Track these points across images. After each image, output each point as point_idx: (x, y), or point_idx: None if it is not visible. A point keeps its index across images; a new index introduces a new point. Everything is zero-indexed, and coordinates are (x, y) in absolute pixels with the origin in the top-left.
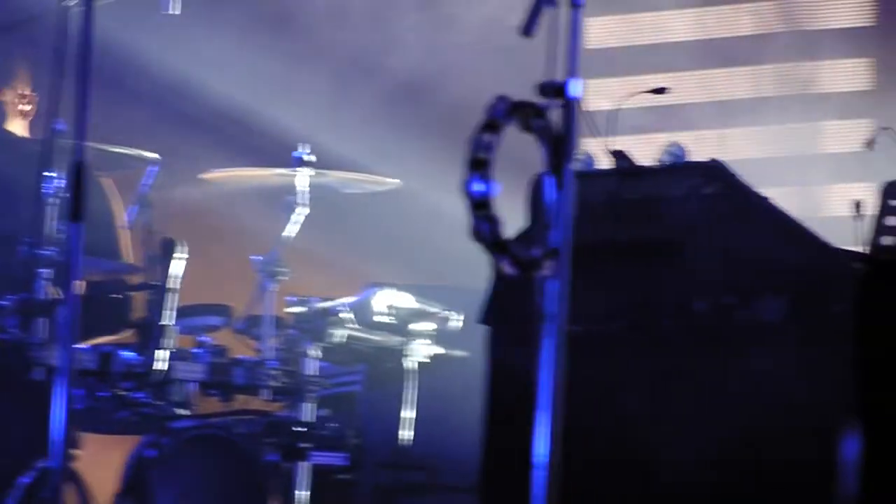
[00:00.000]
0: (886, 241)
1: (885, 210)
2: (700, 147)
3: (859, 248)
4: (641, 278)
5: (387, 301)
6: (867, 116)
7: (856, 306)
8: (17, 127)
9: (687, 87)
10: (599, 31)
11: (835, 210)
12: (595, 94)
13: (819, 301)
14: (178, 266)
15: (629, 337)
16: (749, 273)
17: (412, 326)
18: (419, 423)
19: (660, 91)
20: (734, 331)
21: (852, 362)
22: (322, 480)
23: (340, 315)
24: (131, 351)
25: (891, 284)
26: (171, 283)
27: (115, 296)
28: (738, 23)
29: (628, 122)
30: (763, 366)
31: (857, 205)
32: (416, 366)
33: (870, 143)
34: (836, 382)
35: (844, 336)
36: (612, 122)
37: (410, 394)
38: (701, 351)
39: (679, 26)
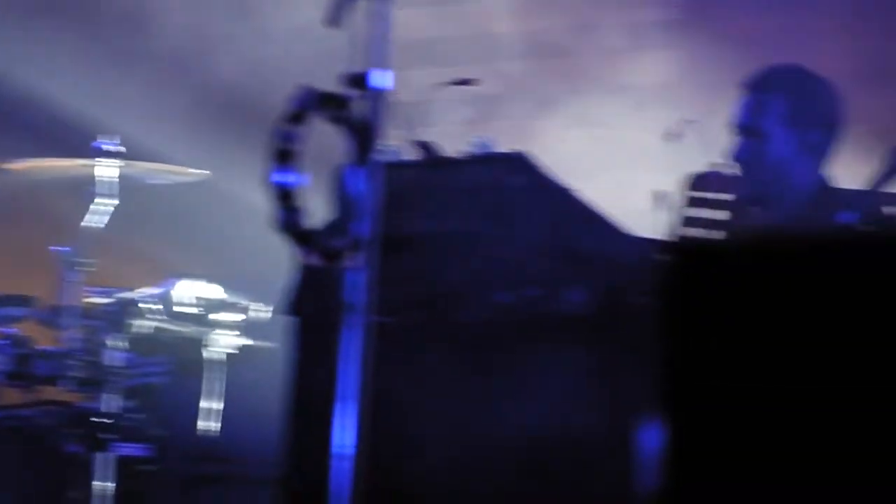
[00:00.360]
0: (691, 231)
1: (690, 201)
2: (512, 139)
3: (663, 240)
4: (446, 269)
5: (192, 292)
6: (672, 108)
7: (658, 298)
8: None
9: (502, 78)
10: (416, 22)
11: (639, 202)
12: (407, 86)
13: (622, 292)
14: None
15: (433, 328)
16: (553, 264)
17: (217, 317)
18: (224, 415)
19: (466, 82)
20: (537, 322)
21: (654, 354)
22: (126, 471)
23: (145, 306)
24: None
25: (693, 276)
26: None
27: None
28: (555, 14)
29: (440, 114)
30: (566, 357)
31: (662, 196)
32: (221, 357)
33: (675, 136)
34: (638, 373)
35: (647, 327)
36: (421, 114)
37: (215, 385)
38: (504, 342)
39: (497, 17)
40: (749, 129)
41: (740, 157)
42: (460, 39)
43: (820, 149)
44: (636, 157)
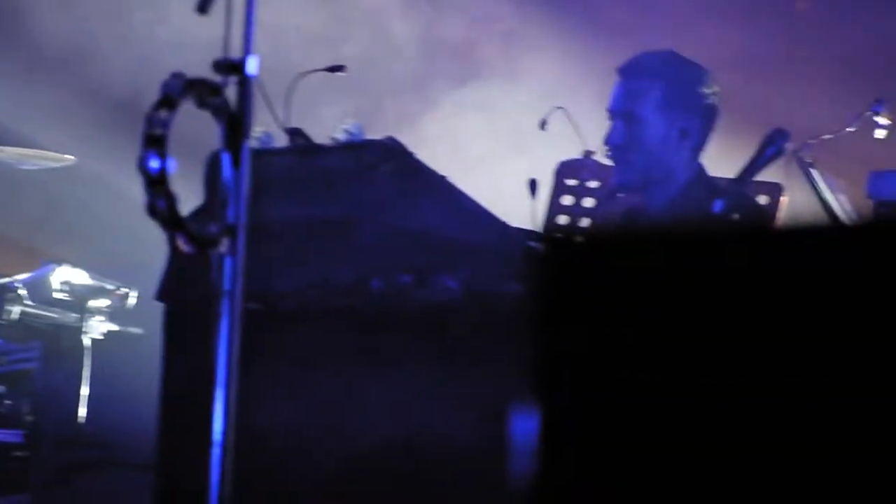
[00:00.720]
0: (561, 219)
1: (560, 189)
2: (393, 128)
3: (534, 227)
4: (319, 256)
5: (63, 278)
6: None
7: (531, 286)
8: None
9: (382, 65)
10: (288, 7)
11: (510, 189)
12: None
13: (494, 280)
14: None
15: (307, 314)
16: (425, 252)
17: (89, 303)
18: (95, 401)
19: (337, 69)
20: (411, 310)
21: (527, 341)
22: None
23: (16, 292)
24: None
25: (565, 264)
26: None
27: None
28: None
29: (311, 100)
30: (440, 345)
31: (532, 184)
32: (91, 343)
33: (543, 123)
34: (512, 361)
35: (519, 315)
36: (290, 100)
37: (87, 371)
38: (379, 330)
39: (387, 7)
40: (624, 114)
41: (615, 142)
42: (347, 27)
43: (694, 135)
44: (514, 146)
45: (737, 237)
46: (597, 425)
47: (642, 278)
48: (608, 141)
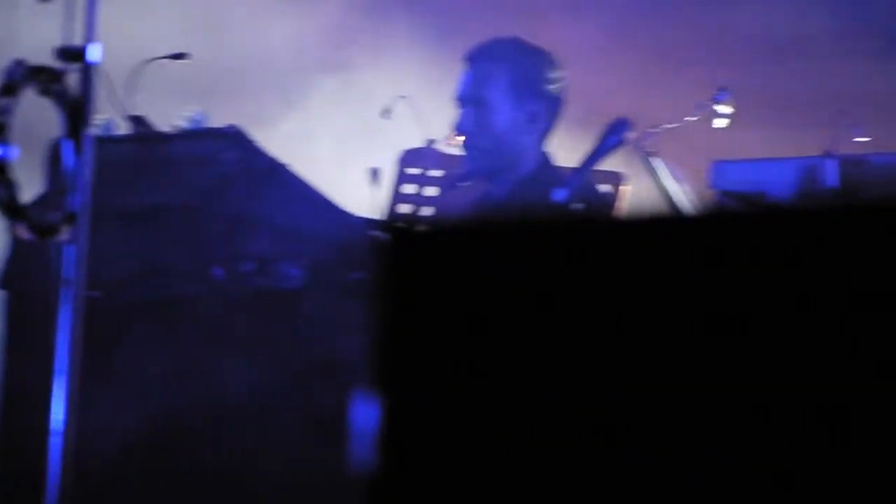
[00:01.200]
0: (403, 208)
1: (402, 178)
2: (236, 117)
3: (377, 216)
4: (162, 244)
5: None
6: (395, 85)
7: (373, 275)
8: None
9: (233, 55)
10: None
11: (353, 179)
12: (123, 61)
13: (336, 269)
14: None
15: (150, 303)
16: (267, 240)
17: None
18: None
19: (179, 57)
20: (253, 298)
21: (368, 329)
22: None
23: None
24: None
25: (406, 252)
26: None
27: None
28: None
29: (157, 88)
30: (283, 330)
31: (374, 173)
32: None
33: (386, 112)
34: (353, 349)
35: (361, 304)
36: (133, 87)
37: None
38: (221, 318)
39: None
40: (472, 99)
41: (464, 128)
42: (189, 16)
43: (542, 120)
44: (356, 135)
45: (580, 228)
46: (438, 417)
47: (485, 269)
48: (458, 128)
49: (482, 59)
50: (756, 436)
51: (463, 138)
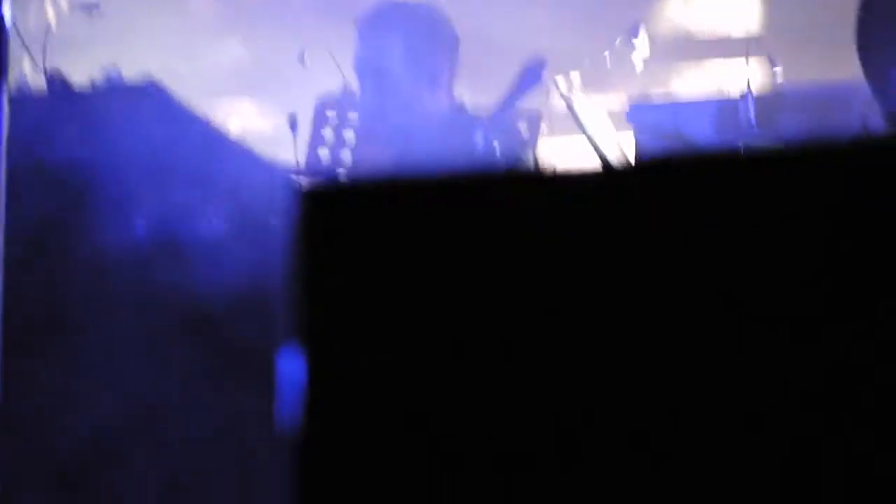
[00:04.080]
0: (322, 153)
1: (320, 122)
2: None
3: (297, 162)
4: (80, 199)
5: None
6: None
7: (296, 219)
8: None
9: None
10: None
11: (272, 125)
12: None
13: (260, 216)
14: None
15: (70, 253)
16: (188, 190)
17: None
18: None
19: (90, 7)
20: (176, 249)
21: (291, 278)
22: None
23: None
24: None
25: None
26: None
27: None
28: None
29: (70, 42)
30: (205, 282)
31: (292, 119)
32: None
33: (302, 57)
34: (275, 298)
35: (284, 251)
36: (49, 42)
37: None
38: (143, 273)
39: None
40: (370, 71)
41: (367, 100)
42: None
43: (444, 75)
44: (276, 82)
45: (506, 184)
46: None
47: (409, 228)
48: (361, 100)
49: (375, 28)
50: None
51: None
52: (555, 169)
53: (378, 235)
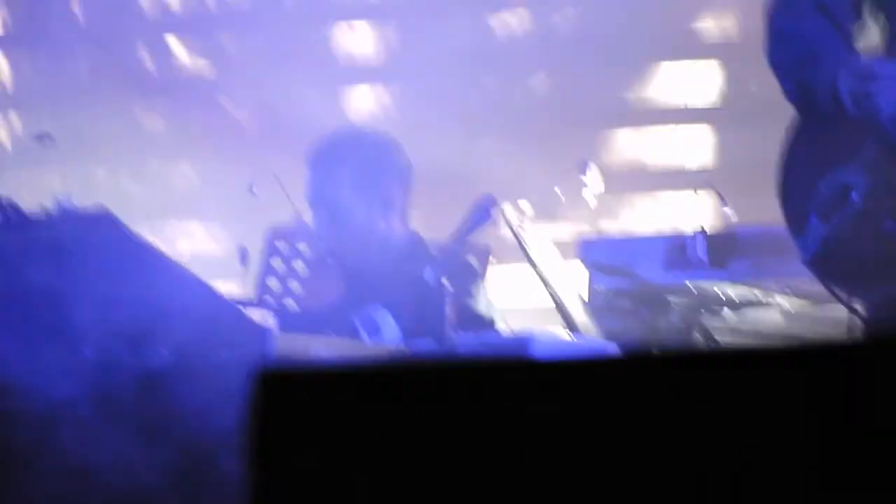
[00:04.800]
0: (273, 283)
1: (271, 252)
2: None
3: (246, 294)
4: (28, 329)
5: None
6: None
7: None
8: None
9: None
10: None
11: (222, 249)
12: None
13: (206, 347)
14: None
15: None
16: (136, 321)
17: None
18: None
19: (43, 138)
20: (124, 378)
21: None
22: None
23: None
24: None
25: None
26: None
27: None
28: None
29: (23, 169)
30: (155, 412)
31: (242, 252)
32: None
33: (251, 189)
34: (224, 430)
35: (230, 383)
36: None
37: None
38: (92, 402)
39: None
40: (321, 201)
41: (321, 230)
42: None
43: (396, 200)
44: (226, 207)
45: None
46: None
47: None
48: (314, 232)
49: (327, 158)
50: None
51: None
52: (517, 359)
53: (332, 421)
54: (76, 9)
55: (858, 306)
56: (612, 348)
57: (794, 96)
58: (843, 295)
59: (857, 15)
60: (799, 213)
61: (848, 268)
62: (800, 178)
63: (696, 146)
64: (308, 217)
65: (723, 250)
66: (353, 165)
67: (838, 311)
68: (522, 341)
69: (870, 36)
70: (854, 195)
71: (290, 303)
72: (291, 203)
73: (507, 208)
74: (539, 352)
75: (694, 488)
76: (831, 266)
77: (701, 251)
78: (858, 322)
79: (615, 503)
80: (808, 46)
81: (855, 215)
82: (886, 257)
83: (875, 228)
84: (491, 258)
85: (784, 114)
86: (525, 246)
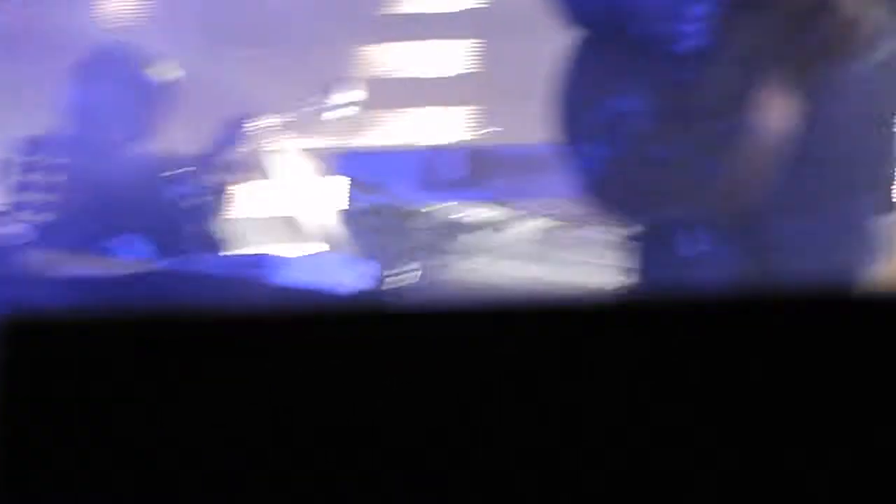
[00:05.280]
0: (25, 195)
1: (25, 164)
2: None
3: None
4: None
5: None
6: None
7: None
8: None
9: None
10: None
11: None
12: None
13: None
14: None
15: None
16: None
17: None
18: None
19: None
20: None
21: None
22: None
23: None
24: None
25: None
26: None
27: None
28: None
29: None
30: None
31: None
32: None
33: None
34: None
35: None
36: None
37: None
38: None
39: None
40: (77, 115)
41: (74, 144)
42: None
43: (148, 119)
44: None
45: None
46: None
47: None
48: (69, 146)
49: (82, 74)
50: None
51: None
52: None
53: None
54: None
55: (624, 231)
56: (367, 265)
57: (578, 16)
58: (613, 219)
59: None
60: (574, 136)
61: (620, 194)
62: (576, 101)
63: (457, 59)
64: (64, 129)
65: (481, 168)
66: (108, 80)
67: (595, 234)
68: (272, 260)
69: None
70: (633, 118)
71: (41, 217)
72: (47, 115)
73: (260, 123)
74: (287, 270)
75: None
76: (604, 191)
77: (458, 168)
78: (625, 247)
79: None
80: None
81: (631, 140)
82: (654, 183)
83: (648, 155)
84: (243, 174)
85: (547, 28)
86: (277, 161)
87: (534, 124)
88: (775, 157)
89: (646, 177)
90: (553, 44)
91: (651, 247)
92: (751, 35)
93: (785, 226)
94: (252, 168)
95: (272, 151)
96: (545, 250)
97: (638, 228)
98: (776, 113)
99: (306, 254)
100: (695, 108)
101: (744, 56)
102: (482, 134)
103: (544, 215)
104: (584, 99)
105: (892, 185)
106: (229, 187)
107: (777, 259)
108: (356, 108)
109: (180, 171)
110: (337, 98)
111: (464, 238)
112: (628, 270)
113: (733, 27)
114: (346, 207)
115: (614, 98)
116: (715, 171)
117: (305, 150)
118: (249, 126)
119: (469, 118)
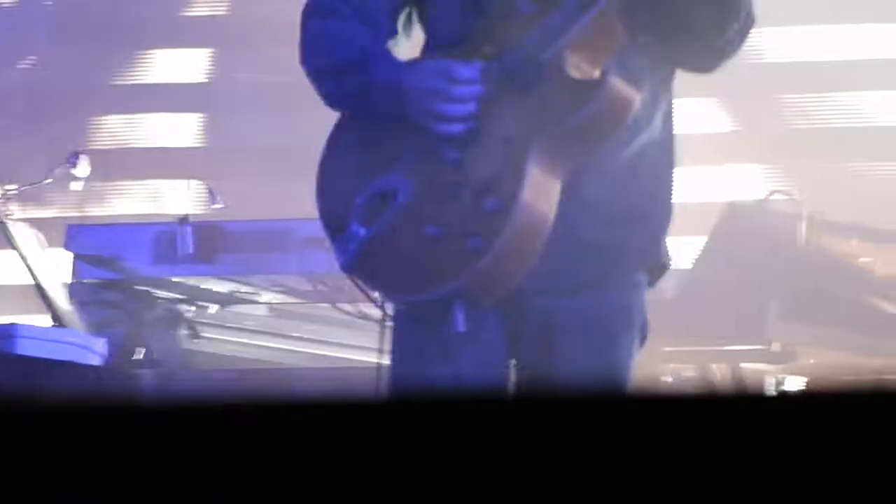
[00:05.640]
0: None
1: None
2: None
3: None
4: None
5: None
6: None
7: None
8: None
9: None
10: None
11: None
12: None
13: None
14: None
15: None
16: None
17: None
18: None
19: None
20: None
21: None
22: None
23: None
24: None
25: None
26: None
27: None
28: None
29: None
30: None
31: None
32: None
33: None
34: None
35: None
36: None
37: None
38: None
39: None
40: None
41: None
42: None
43: None
44: None
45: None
46: None
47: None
48: None
49: None
50: None
51: None
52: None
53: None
54: None
55: (392, 308)
56: (97, 341)
57: (335, 99)
58: (379, 297)
59: (393, 28)
60: (339, 218)
61: (387, 270)
62: (341, 183)
63: (187, 132)
64: None
65: (210, 244)
66: None
67: (325, 311)
68: (7, 330)
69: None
70: (400, 196)
71: None
72: None
73: None
74: (22, 342)
75: None
76: (369, 268)
77: (188, 244)
78: (382, 324)
79: None
80: (357, 50)
81: (399, 217)
82: (429, 261)
83: (417, 232)
84: None
85: (274, 103)
86: (8, 232)
87: (267, 201)
88: (541, 237)
89: (409, 255)
90: (279, 121)
91: (412, 325)
92: (517, 114)
93: (549, 305)
94: None
95: (4, 221)
96: (276, 326)
97: (401, 306)
98: (543, 192)
99: (40, 326)
100: (461, 186)
101: (509, 135)
102: (214, 209)
103: (274, 291)
104: (347, 176)
105: (659, 264)
106: None
107: (542, 339)
108: (88, 180)
109: None
110: (70, 169)
111: (193, 313)
112: (380, 349)
113: (500, 106)
114: (75, 281)
115: (379, 177)
116: (480, 250)
117: (36, 220)
118: None
119: (199, 193)
